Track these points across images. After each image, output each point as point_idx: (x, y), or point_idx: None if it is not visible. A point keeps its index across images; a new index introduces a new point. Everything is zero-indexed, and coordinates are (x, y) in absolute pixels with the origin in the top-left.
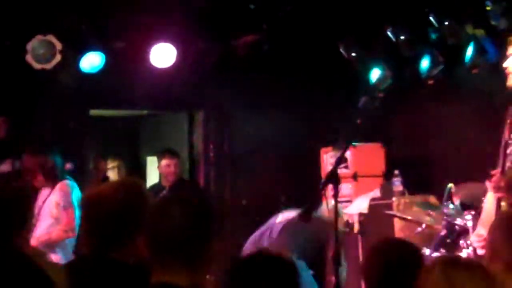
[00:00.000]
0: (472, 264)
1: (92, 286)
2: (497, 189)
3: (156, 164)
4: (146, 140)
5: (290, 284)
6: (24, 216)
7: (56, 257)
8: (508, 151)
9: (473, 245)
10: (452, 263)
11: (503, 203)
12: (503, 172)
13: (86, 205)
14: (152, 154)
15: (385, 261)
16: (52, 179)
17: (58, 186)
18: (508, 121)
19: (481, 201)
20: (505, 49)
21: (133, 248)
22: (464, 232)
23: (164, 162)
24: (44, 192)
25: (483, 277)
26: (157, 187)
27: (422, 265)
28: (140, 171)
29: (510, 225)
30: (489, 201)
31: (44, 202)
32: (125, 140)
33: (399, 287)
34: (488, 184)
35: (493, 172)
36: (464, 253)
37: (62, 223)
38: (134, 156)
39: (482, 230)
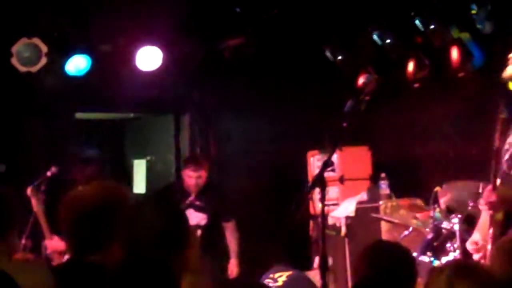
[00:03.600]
0: (481, 276)
1: None
2: (489, 206)
3: (142, 167)
4: (132, 143)
5: None
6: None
7: None
8: (506, 157)
9: (469, 251)
10: (460, 272)
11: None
12: (494, 187)
13: (65, 207)
14: (138, 157)
15: (376, 262)
16: None
17: None
18: (498, 128)
19: (467, 205)
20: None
21: (112, 251)
22: (451, 235)
23: (186, 172)
24: None
25: None
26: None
27: (412, 267)
28: (125, 174)
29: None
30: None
31: None
32: (110, 143)
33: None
34: (481, 202)
35: (485, 190)
36: (450, 257)
37: None
38: (120, 159)
39: (477, 236)
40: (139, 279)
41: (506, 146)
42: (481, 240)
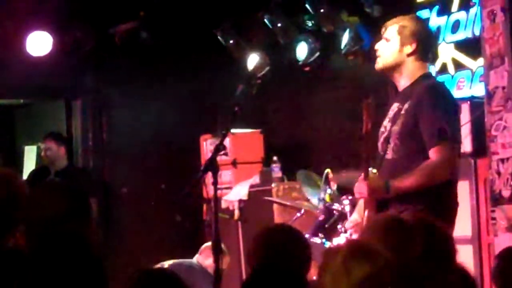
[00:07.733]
0: (375, 255)
1: None
2: (360, 196)
3: (33, 154)
4: (22, 130)
5: None
6: None
7: None
8: (381, 139)
9: (348, 230)
10: (354, 252)
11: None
12: (365, 175)
13: None
14: (29, 144)
15: (269, 246)
16: None
17: None
18: (365, 112)
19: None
20: (380, 32)
21: (12, 240)
22: (342, 216)
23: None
24: None
25: (384, 269)
26: (41, 171)
27: (306, 247)
28: (16, 161)
29: (381, 228)
30: None
31: None
32: (1, 130)
33: (283, 271)
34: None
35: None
36: (342, 238)
37: None
38: (11, 146)
39: (356, 215)
40: (57, 253)
41: (382, 129)
42: (359, 218)
